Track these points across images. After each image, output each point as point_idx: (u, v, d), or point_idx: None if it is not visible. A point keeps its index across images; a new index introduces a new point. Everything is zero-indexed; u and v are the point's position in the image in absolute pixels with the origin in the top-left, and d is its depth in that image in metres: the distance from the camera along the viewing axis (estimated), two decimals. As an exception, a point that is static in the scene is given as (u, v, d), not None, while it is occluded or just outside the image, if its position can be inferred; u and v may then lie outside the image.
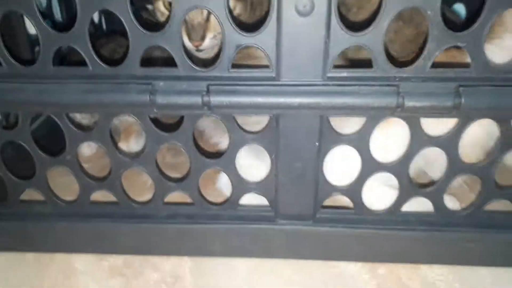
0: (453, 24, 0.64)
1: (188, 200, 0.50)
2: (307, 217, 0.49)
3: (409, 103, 0.40)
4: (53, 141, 0.51)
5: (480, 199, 0.47)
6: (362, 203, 0.48)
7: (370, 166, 0.46)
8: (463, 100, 0.39)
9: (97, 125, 0.46)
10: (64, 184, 0.53)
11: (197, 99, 0.42)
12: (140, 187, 0.56)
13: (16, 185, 0.51)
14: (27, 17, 0.41)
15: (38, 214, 0.52)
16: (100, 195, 0.51)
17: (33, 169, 0.49)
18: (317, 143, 0.44)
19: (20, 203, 0.52)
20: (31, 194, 0.51)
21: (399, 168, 0.45)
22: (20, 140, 0.48)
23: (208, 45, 0.58)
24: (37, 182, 0.50)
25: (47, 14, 0.70)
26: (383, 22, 0.38)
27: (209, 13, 0.55)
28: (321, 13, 0.38)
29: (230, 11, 0.39)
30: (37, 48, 0.66)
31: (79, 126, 0.47)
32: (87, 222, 0.51)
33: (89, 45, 0.42)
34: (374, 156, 0.45)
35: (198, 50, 0.58)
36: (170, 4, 0.58)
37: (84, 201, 0.51)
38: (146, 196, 0.51)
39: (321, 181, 0.47)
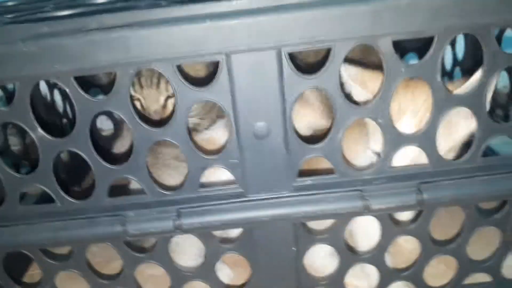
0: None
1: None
2: (294, 315, 0.49)
3: (375, 206, 0.41)
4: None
5: (458, 275, 0.48)
6: (346, 294, 0.49)
7: (347, 259, 0.46)
8: (425, 196, 0.41)
9: (72, 256, 0.45)
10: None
11: (169, 224, 0.42)
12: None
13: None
14: (-11, 166, 0.41)
15: None
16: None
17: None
18: (294, 248, 0.45)
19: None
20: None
21: (375, 258, 0.46)
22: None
23: None
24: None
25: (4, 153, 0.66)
26: (337, 134, 0.40)
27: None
28: (278, 135, 0.39)
29: (193, 142, 0.40)
30: None
31: (55, 256, 0.47)
32: None
33: (56, 183, 0.42)
34: (349, 251, 0.46)
35: None
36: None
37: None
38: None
39: (303, 279, 0.47)
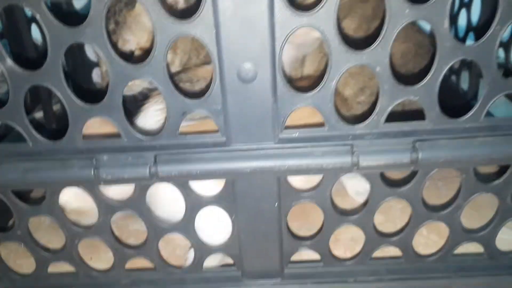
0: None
1: (151, 265, 0.48)
2: (275, 275, 0.47)
3: (364, 162, 0.38)
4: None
5: (449, 243, 0.45)
6: (330, 256, 0.47)
7: (333, 220, 0.44)
8: (420, 155, 0.38)
9: (45, 199, 0.43)
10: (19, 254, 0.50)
11: (144, 171, 0.39)
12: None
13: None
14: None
15: (-8, 291, 0.49)
16: (58, 266, 0.48)
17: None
18: (276, 204, 0.42)
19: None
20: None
21: (363, 221, 0.44)
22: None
23: None
24: (-13, 259, 0.47)
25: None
26: (330, 83, 0.37)
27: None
28: (265, 79, 0.36)
29: (174, 82, 0.37)
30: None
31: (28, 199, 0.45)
32: (45, 296, 0.48)
33: (26, 120, 0.39)
34: (336, 210, 0.43)
35: None
36: None
37: (41, 274, 0.48)
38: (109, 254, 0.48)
39: (286, 237, 0.45)
